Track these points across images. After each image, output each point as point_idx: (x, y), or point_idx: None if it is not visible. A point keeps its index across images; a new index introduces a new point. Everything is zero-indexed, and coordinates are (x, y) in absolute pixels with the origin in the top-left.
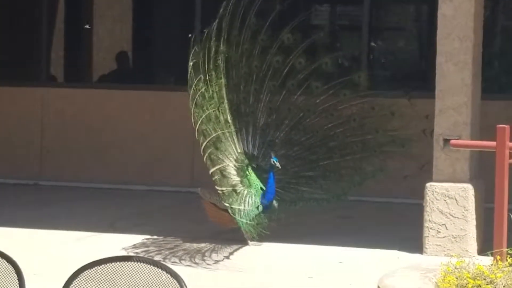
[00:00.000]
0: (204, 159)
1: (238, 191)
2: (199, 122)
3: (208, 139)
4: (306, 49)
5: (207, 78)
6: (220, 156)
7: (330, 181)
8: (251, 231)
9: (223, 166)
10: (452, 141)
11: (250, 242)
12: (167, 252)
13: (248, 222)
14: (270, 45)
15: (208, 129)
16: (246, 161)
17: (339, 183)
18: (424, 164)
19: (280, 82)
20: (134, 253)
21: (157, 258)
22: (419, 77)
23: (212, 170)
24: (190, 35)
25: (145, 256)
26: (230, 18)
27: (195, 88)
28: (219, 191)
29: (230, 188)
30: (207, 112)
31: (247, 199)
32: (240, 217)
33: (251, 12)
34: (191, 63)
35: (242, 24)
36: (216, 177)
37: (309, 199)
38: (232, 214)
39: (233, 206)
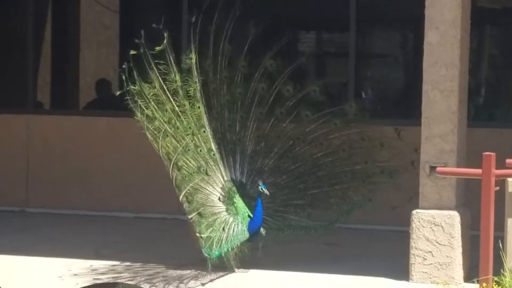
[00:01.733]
0: (181, 197)
1: (217, 221)
2: (175, 154)
3: (194, 180)
4: (294, 76)
5: (177, 109)
6: (203, 187)
7: (318, 210)
8: (231, 259)
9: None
10: (438, 169)
11: (236, 269)
12: (143, 278)
13: (229, 250)
14: (252, 72)
15: (186, 160)
16: (234, 188)
17: (327, 212)
18: (412, 196)
19: (268, 109)
20: (116, 279)
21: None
22: (406, 104)
23: (191, 208)
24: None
25: (130, 283)
26: (199, 46)
27: (160, 120)
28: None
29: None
30: (184, 142)
31: (232, 226)
32: (220, 246)
33: (223, 39)
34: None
35: (215, 52)
36: (193, 214)
37: (296, 227)
38: (205, 244)
39: (211, 235)
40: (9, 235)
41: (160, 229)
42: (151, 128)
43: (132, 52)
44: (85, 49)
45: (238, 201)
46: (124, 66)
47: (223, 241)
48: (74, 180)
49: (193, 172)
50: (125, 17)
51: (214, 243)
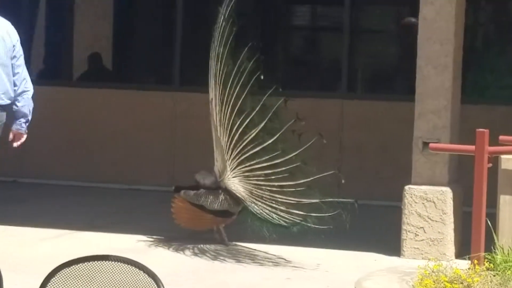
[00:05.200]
0: None
1: None
2: None
3: None
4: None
5: None
6: None
7: None
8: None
9: None
10: (431, 145)
11: (228, 242)
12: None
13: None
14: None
15: None
16: None
17: None
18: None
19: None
20: (112, 250)
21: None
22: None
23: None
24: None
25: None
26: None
27: None
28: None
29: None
30: None
31: None
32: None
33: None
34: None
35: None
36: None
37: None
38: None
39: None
40: (1, 204)
41: (152, 201)
42: None
43: None
44: (79, 20)
45: None
46: None
47: None
48: (67, 151)
49: None
50: None
51: None
